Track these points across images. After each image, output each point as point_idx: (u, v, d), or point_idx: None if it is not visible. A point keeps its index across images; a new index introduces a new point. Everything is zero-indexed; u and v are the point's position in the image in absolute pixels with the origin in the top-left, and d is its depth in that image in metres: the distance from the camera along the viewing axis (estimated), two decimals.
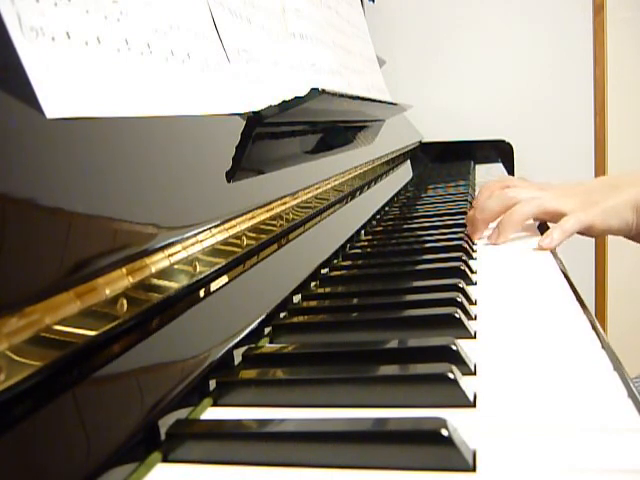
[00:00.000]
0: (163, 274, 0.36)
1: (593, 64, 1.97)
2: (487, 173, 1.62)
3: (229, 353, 0.42)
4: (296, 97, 0.59)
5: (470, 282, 0.60)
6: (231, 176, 0.51)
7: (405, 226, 0.93)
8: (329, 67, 0.94)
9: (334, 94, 0.65)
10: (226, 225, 0.45)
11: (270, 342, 0.49)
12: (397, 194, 1.22)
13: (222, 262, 0.44)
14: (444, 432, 0.29)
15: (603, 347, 0.41)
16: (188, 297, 0.40)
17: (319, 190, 0.70)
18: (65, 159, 0.34)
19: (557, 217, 0.76)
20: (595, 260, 2.04)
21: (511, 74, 2.03)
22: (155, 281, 0.36)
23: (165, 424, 0.33)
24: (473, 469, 0.29)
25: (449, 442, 0.29)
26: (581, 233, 0.76)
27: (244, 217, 0.49)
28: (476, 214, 0.82)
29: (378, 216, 1.02)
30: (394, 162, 1.29)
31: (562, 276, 0.61)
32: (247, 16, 0.68)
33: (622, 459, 0.28)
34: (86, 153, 0.36)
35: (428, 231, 0.86)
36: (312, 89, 0.59)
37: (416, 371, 0.37)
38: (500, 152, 1.85)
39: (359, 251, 0.79)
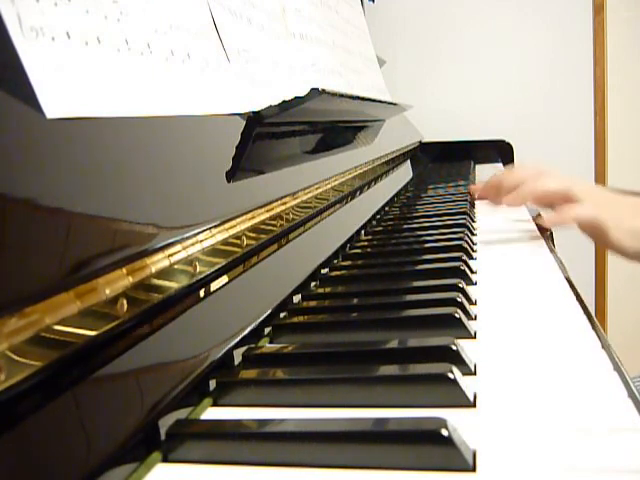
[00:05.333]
0: (163, 274, 0.36)
1: (593, 64, 1.97)
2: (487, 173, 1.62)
3: (229, 353, 0.42)
4: (296, 97, 0.59)
5: (470, 282, 0.60)
6: (231, 176, 0.51)
7: (405, 226, 0.92)
8: (329, 67, 0.94)
9: (334, 94, 0.65)
10: (226, 225, 0.45)
11: (270, 342, 0.49)
12: (397, 194, 1.22)
13: (222, 262, 0.44)
14: (444, 432, 0.29)
15: (603, 347, 0.41)
16: (188, 297, 0.40)
17: (319, 190, 0.70)
18: (65, 159, 0.34)
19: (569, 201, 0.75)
20: (595, 260, 2.05)
21: (511, 74, 2.03)
22: (155, 281, 0.36)
23: (165, 424, 0.33)
24: (473, 469, 0.29)
25: (449, 442, 0.29)
26: (593, 238, 0.74)
27: (244, 217, 0.49)
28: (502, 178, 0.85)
29: (378, 216, 1.02)
30: (394, 162, 1.29)
31: (562, 276, 0.61)
32: (247, 16, 0.68)
33: (622, 459, 0.28)
34: (86, 153, 0.36)
35: (428, 231, 0.86)
36: (312, 89, 0.59)
37: (416, 371, 0.37)
38: (500, 152, 1.85)
39: (359, 251, 0.79)
